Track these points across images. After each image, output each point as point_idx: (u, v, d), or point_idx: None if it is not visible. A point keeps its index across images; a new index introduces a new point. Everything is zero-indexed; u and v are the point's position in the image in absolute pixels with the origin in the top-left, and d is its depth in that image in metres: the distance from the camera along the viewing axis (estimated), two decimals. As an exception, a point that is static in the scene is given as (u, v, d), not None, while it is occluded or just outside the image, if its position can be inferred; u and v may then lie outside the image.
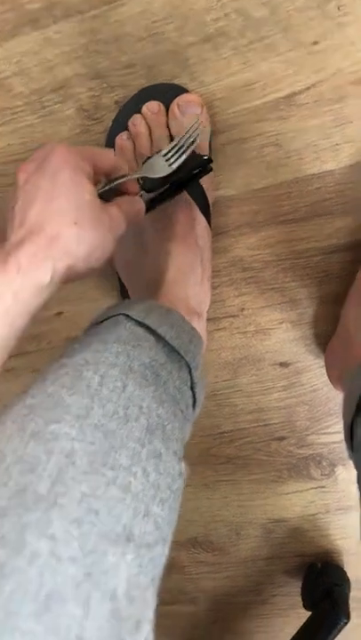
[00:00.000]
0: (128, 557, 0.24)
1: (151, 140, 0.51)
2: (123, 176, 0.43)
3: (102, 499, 0.25)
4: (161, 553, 0.27)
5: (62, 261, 0.34)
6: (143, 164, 0.46)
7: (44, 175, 0.36)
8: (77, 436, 0.27)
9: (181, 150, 0.45)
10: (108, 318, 0.40)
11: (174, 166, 0.45)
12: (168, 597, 0.68)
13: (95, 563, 0.23)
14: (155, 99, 0.50)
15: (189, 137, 0.45)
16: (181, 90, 0.50)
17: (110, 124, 0.53)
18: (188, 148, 0.45)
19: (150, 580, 0.25)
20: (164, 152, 0.45)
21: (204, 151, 0.50)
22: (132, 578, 0.24)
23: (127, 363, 0.34)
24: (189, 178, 0.49)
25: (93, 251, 0.36)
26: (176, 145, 0.45)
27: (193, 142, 0.45)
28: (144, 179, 0.45)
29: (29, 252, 0.33)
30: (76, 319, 0.60)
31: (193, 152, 0.46)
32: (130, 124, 0.51)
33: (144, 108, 0.50)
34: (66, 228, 0.34)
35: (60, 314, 0.61)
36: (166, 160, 0.45)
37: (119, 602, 0.23)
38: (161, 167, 0.45)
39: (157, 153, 0.46)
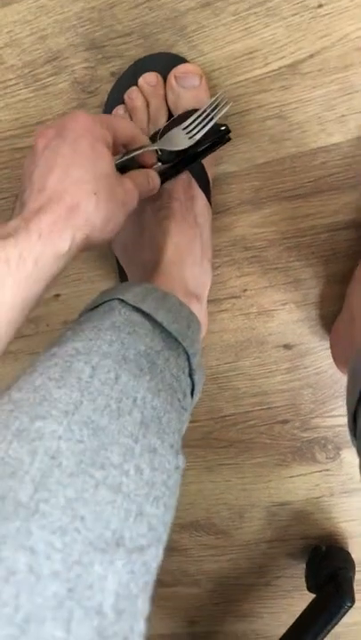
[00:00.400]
0: (118, 565, 0.23)
1: (148, 114, 0.48)
2: (141, 147, 0.43)
3: (90, 502, 0.24)
4: (155, 555, 0.25)
5: (81, 231, 0.34)
6: (162, 136, 0.45)
7: (64, 141, 0.36)
8: (64, 434, 0.25)
9: (205, 122, 0.44)
10: (103, 303, 0.38)
11: (196, 138, 0.44)
12: (170, 579, 0.68)
13: (79, 576, 0.21)
14: (152, 69, 0.48)
15: (213, 109, 0.45)
16: (179, 59, 0.48)
17: (106, 97, 0.50)
18: (211, 120, 0.45)
19: (142, 586, 0.24)
20: (185, 124, 0.45)
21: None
22: (122, 588, 0.23)
23: (121, 351, 0.32)
24: (206, 149, 0.47)
25: (108, 222, 0.36)
26: (199, 116, 0.45)
27: (215, 115, 0.45)
28: (162, 151, 0.44)
29: (50, 219, 0.33)
30: (73, 301, 0.59)
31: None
32: (126, 97, 0.48)
33: (141, 80, 0.48)
34: (85, 198, 0.34)
35: (57, 296, 0.59)
36: (187, 133, 0.45)
37: (106, 617, 0.21)
38: (181, 140, 0.45)
39: (178, 125, 0.45)
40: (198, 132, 0.44)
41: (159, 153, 0.45)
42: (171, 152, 0.45)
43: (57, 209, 0.33)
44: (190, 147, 0.45)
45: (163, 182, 0.46)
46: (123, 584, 0.23)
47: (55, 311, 0.60)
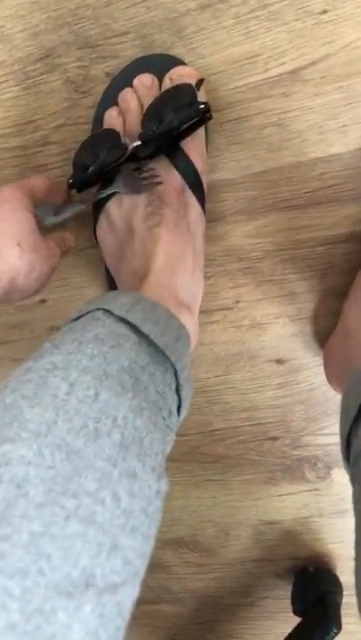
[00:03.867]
0: (85, 610, 0.20)
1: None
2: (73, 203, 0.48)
3: (58, 537, 0.21)
4: (130, 593, 0.23)
5: (5, 274, 0.39)
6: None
7: None
8: (34, 459, 0.23)
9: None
10: (87, 314, 0.36)
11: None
12: (153, 596, 0.66)
13: (40, 627, 0.19)
14: (148, 71, 0.46)
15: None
16: (177, 62, 0.46)
17: (100, 98, 0.49)
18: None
19: (113, 633, 0.22)
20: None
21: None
22: (89, 637, 0.20)
23: (102, 366, 0.30)
24: (187, 128, 0.45)
25: (33, 270, 0.41)
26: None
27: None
28: (143, 128, 0.45)
29: None
30: (60, 307, 0.57)
31: (190, 100, 0.43)
32: (120, 98, 0.47)
33: (136, 81, 0.46)
34: (9, 247, 0.39)
35: (43, 301, 0.57)
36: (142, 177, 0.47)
37: None
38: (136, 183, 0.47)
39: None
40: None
41: (140, 130, 0.45)
42: (151, 131, 0.44)
43: None
44: (171, 126, 0.43)
45: (143, 160, 0.46)
46: (90, 632, 0.20)
47: (40, 317, 0.58)
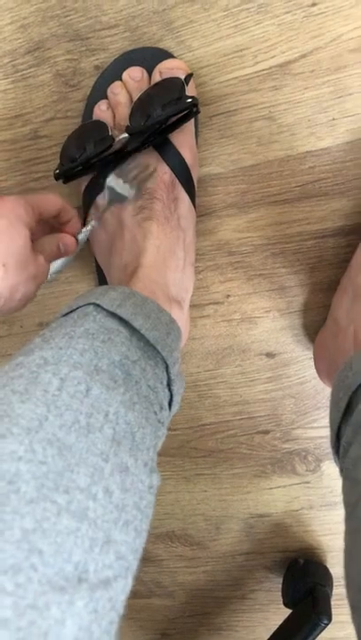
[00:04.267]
0: (78, 605, 0.20)
1: (132, 110, 0.46)
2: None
3: (50, 533, 0.21)
4: (122, 588, 0.23)
5: None
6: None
7: None
8: (25, 455, 0.23)
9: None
10: (77, 309, 0.36)
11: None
12: (145, 590, 0.66)
13: (33, 623, 0.19)
14: (137, 64, 0.46)
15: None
16: (166, 55, 0.46)
17: (89, 91, 0.48)
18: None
19: (106, 627, 0.22)
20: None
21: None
22: (82, 633, 0.20)
23: (94, 361, 0.30)
24: (175, 122, 0.45)
25: (16, 292, 0.40)
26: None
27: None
28: (131, 121, 0.44)
29: None
30: (49, 302, 0.56)
31: (178, 95, 0.43)
32: (109, 91, 0.46)
33: (125, 75, 0.46)
34: None
35: (33, 296, 0.57)
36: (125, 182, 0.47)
37: None
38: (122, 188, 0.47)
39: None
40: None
41: (128, 123, 0.45)
42: (139, 125, 0.44)
43: None
44: (159, 120, 0.43)
45: (131, 154, 0.46)
46: (83, 627, 0.20)
47: (29, 312, 0.58)
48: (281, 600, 0.60)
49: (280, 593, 0.61)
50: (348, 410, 0.37)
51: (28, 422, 0.24)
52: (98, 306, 0.35)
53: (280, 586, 0.62)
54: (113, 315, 0.35)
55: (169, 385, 0.37)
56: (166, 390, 0.36)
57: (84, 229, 0.48)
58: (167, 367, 0.36)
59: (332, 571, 0.60)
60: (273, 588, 0.63)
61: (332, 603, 0.57)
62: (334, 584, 0.60)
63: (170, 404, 0.37)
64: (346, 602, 0.56)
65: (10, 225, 0.39)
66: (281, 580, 0.62)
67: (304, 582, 0.59)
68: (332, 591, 0.59)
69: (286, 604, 0.60)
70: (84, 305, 0.36)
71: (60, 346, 0.30)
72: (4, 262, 0.38)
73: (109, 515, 0.24)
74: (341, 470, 0.37)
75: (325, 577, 0.60)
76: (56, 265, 0.47)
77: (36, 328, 0.58)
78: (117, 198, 0.47)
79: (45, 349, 0.30)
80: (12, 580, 0.19)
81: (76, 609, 0.20)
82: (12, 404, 0.25)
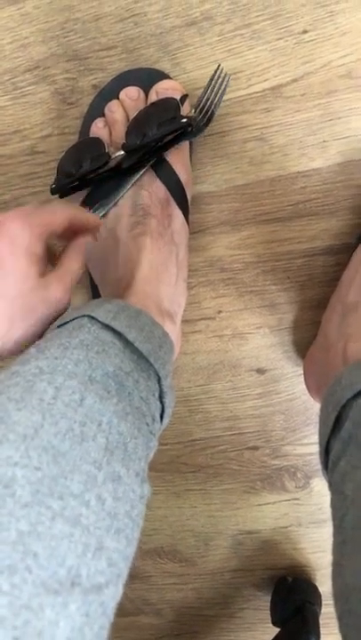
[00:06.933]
0: (71, 608, 0.21)
1: (128, 128, 0.47)
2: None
3: (45, 537, 0.22)
4: (113, 594, 0.23)
5: None
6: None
7: None
8: (21, 461, 0.23)
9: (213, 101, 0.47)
10: (72, 320, 0.36)
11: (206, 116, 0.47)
12: (132, 608, 0.66)
13: (28, 622, 0.19)
14: (134, 84, 0.47)
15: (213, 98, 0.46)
16: (162, 76, 0.47)
17: (87, 109, 0.49)
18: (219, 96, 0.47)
19: (97, 631, 0.22)
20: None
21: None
22: (74, 634, 0.20)
23: (88, 372, 0.31)
24: (169, 141, 0.46)
25: (23, 337, 0.36)
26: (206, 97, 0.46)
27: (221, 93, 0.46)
28: (127, 139, 0.45)
29: None
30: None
31: (174, 115, 0.44)
32: (106, 110, 0.47)
33: (122, 94, 0.47)
34: None
35: (26, 310, 0.57)
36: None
37: None
38: None
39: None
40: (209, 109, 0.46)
41: (124, 141, 0.45)
42: (135, 143, 0.44)
43: None
44: (154, 139, 0.44)
45: (127, 174, 0.46)
46: (76, 630, 0.21)
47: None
48: (270, 619, 0.60)
49: (268, 611, 0.61)
50: (337, 424, 0.37)
51: (24, 429, 0.25)
52: (92, 318, 0.36)
53: (268, 604, 0.62)
54: (107, 327, 0.36)
55: (161, 397, 0.37)
56: (158, 402, 0.37)
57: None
58: (159, 379, 0.37)
59: (320, 589, 0.60)
60: (261, 606, 0.63)
61: (321, 621, 0.57)
62: (323, 602, 0.60)
63: (161, 417, 0.38)
64: (334, 620, 0.56)
65: (15, 266, 0.34)
66: (269, 597, 0.62)
67: (293, 600, 0.59)
68: (320, 609, 0.59)
69: (275, 623, 0.59)
70: (79, 317, 0.36)
71: (55, 356, 0.31)
72: (11, 314, 0.34)
73: (102, 522, 0.24)
74: (330, 484, 0.38)
75: (314, 595, 0.60)
76: None
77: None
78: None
79: (41, 359, 0.30)
80: (7, 581, 0.20)
81: (69, 611, 0.21)
82: (8, 412, 0.26)
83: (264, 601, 0.63)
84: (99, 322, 0.36)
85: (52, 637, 0.20)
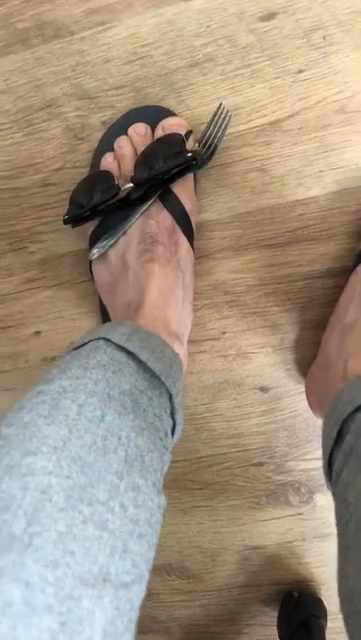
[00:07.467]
0: (105, 600, 0.23)
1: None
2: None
3: (79, 537, 0.24)
4: (138, 593, 0.26)
5: None
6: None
7: None
8: (54, 470, 0.26)
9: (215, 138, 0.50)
10: (89, 342, 0.39)
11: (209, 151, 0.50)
12: (141, 626, 0.67)
13: (71, 610, 0.22)
14: (142, 120, 0.50)
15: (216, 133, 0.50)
16: (168, 112, 0.50)
17: (96, 144, 0.52)
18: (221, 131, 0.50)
19: (127, 624, 0.24)
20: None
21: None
22: (108, 625, 0.23)
23: (106, 390, 0.33)
24: (175, 173, 0.49)
25: None
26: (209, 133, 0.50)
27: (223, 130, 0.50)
28: (135, 172, 0.48)
29: None
30: (53, 339, 0.59)
31: (179, 149, 0.47)
32: (115, 145, 0.50)
33: (130, 130, 0.50)
34: None
35: (37, 333, 0.59)
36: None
37: None
38: None
39: None
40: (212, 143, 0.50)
41: (133, 174, 0.48)
42: (143, 176, 0.47)
43: None
44: (161, 172, 0.47)
45: (135, 204, 0.49)
46: (109, 621, 0.23)
47: (34, 348, 0.60)
48: (276, 634, 0.61)
49: (275, 627, 0.62)
50: (339, 437, 0.39)
51: (54, 442, 0.27)
52: (108, 340, 0.38)
53: (275, 620, 0.62)
54: (121, 348, 0.38)
55: (172, 414, 0.39)
56: (170, 419, 0.39)
57: (99, 244, 0.51)
58: (171, 397, 0.39)
59: (326, 603, 0.61)
60: (268, 622, 0.64)
61: (327, 636, 0.58)
62: (329, 617, 0.61)
63: (172, 432, 0.40)
64: (341, 636, 0.57)
65: None
66: (276, 613, 0.63)
67: (298, 615, 0.60)
68: (326, 623, 0.60)
69: (282, 638, 0.60)
70: (95, 339, 0.39)
71: (76, 376, 0.33)
72: None
73: (125, 527, 0.27)
74: (334, 494, 0.40)
75: (320, 609, 0.61)
76: None
77: (41, 363, 0.60)
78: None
79: (64, 379, 0.33)
80: (52, 573, 0.22)
81: (103, 603, 0.23)
82: (39, 427, 0.28)
83: (271, 617, 0.63)
84: (113, 343, 0.38)
85: (91, 625, 0.22)
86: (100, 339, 0.39)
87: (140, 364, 0.38)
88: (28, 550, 0.22)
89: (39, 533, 0.23)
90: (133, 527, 0.27)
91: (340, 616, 0.64)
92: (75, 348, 0.39)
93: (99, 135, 0.52)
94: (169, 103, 0.51)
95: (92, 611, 0.22)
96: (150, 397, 0.37)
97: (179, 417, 0.40)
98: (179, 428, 0.41)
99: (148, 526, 0.28)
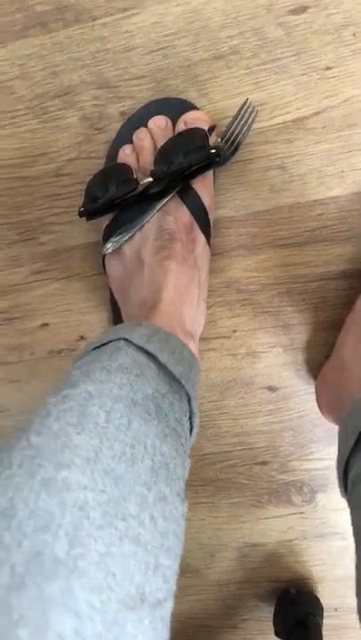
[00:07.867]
0: (145, 623, 0.22)
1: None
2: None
3: (117, 557, 0.23)
4: (169, 609, 0.25)
5: None
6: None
7: None
8: (89, 484, 0.25)
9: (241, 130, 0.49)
10: (108, 343, 0.38)
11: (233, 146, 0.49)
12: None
13: (117, 637, 0.21)
14: (162, 113, 0.49)
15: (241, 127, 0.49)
16: (190, 106, 0.49)
17: (114, 135, 0.51)
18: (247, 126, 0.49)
19: None
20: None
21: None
22: None
23: (130, 394, 0.32)
24: (196, 170, 0.47)
25: None
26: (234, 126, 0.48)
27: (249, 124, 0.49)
28: (155, 167, 0.47)
29: None
30: (60, 331, 0.58)
31: (202, 144, 0.46)
32: (135, 137, 0.49)
33: (150, 122, 0.49)
34: None
35: (44, 325, 0.58)
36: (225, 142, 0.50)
37: None
38: None
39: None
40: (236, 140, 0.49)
41: (152, 168, 0.47)
42: (162, 170, 0.46)
43: None
44: (181, 167, 0.46)
45: (153, 199, 0.48)
46: None
47: (41, 340, 0.59)
48: (271, 630, 0.61)
49: (271, 623, 0.62)
50: (356, 447, 0.39)
51: (86, 453, 0.26)
52: (128, 340, 0.37)
53: (271, 615, 0.63)
54: (141, 349, 0.37)
55: (191, 417, 0.39)
56: (188, 423, 0.39)
57: (113, 238, 0.49)
58: (190, 400, 0.39)
59: (322, 601, 0.62)
60: (263, 617, 0.65)
61: (323, 633, 0.59)
62: (325, 614, 0.61)
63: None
64: (336, 632, 0.58)
65: None
66: (272, 609, 0.63)
67: (295, 612, 0.60)
68: (322, 621, 0.61)
69: (278, 634, 0.61)
70: (116, 339, 0.38)
71: (100, 380, 0.32)
72: None
73: (156, 541, 0.26)
74: (349, 502, 0.39)
75: (317, 607, 0.61)
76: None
77: (47, 356, 0.59)
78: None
79: (88, 383, 0.32)
80: (98, 599, 0.21)
81: (144, 626, 0.22)
82: (69, 436, 0.27)
83: (267, 612, 0.64)
84: (134, 344, 0.37)
85: None
86: (120, 339, 0.38)
87: (160, 366, 0.37)
88: (74, 575, 0.21)
89: (82, 555, 0.22)
90: (162, 540, 0.26)
91: (336, 613, 0.64)
92: (93, 348, 0.39)
93: (116, 126, 0.51)
94: (190, 96, 0.50)
95: (134, 635, 0.22)
96: (171, 402, 0.36)
97: (196, 420, 0.40)
98: (195, 432, 0.41)
99: (175, 538, 0.28)
